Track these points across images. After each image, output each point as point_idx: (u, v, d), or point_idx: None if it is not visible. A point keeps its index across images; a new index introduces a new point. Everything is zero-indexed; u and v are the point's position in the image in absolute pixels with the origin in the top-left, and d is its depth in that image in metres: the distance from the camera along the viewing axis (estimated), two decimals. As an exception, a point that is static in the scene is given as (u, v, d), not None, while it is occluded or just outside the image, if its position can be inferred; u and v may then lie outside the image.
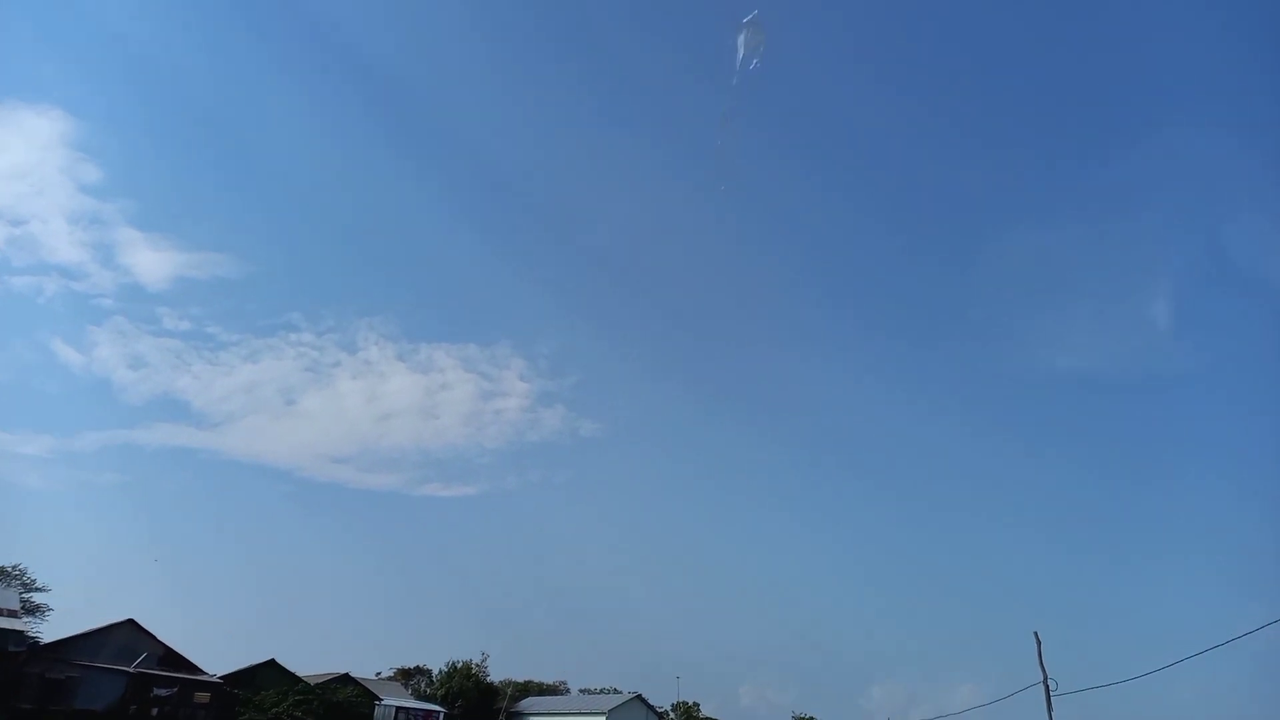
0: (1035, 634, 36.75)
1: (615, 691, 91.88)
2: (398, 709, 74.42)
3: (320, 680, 69.79)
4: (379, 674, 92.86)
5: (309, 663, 74.82)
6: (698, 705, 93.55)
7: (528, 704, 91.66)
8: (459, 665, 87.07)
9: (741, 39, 30.62)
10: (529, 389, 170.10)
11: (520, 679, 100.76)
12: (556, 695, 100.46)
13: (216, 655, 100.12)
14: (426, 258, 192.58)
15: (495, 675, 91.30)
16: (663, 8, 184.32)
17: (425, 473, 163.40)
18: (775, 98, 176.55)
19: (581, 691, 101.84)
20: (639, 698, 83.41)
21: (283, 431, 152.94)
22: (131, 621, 57.27)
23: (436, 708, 78.66)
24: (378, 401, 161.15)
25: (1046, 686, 35.00)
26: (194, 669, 59.83)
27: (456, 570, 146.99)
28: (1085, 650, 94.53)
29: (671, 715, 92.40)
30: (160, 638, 58.40)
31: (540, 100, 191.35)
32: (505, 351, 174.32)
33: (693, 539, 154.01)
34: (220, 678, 61.68)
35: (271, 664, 66.89)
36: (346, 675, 73.99)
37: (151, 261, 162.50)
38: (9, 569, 65.30)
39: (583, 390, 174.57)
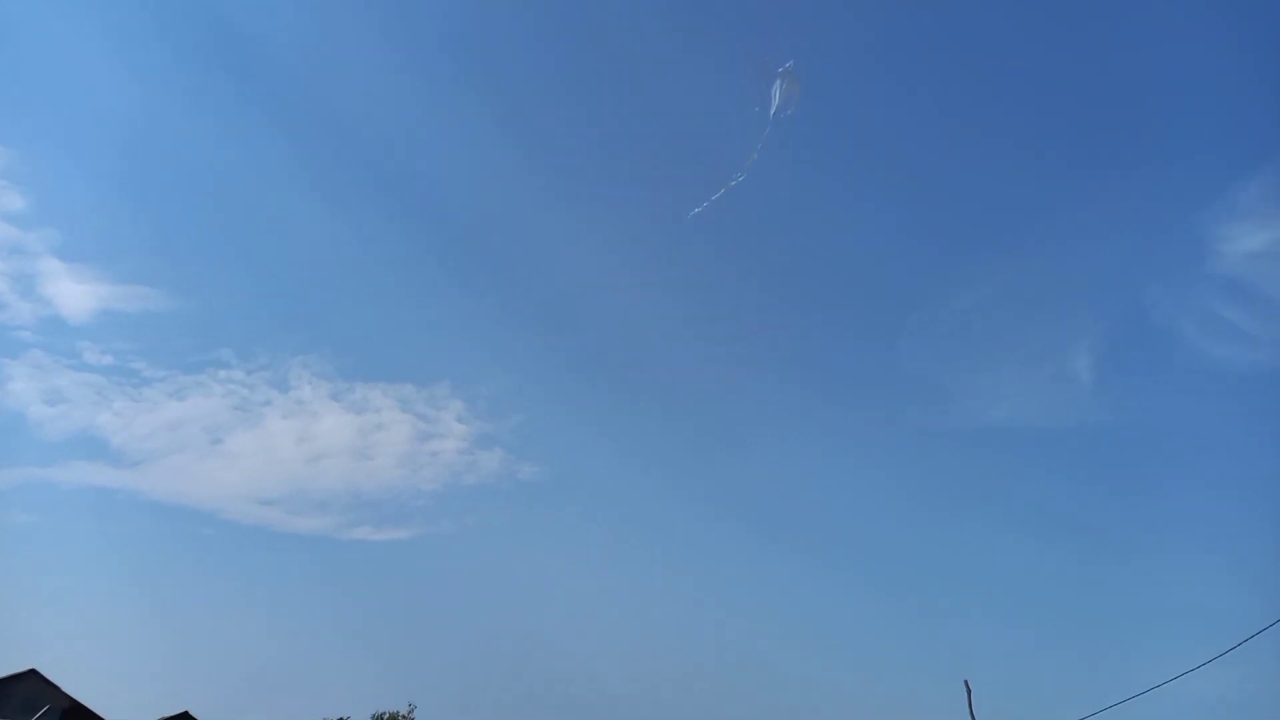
0: (965, 683, 37.44)
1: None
2: (319, 763, 71.25)
3: (237, 733, 66.58)
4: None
5: (227, 714, 71.37)
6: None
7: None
8: (385, 716, 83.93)
9: (777, 87, 30.86)
10: (467, 431, 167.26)
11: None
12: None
13: (128, 708, 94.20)
14: (365, 296, 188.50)
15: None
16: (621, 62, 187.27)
17: (357, 515, 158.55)
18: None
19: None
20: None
21: (207, 471, 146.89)
22: (34, 672, 53.58)
23: (360, 762, 75.48)
24: (309, 442, 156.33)
25: (976, 735, 35.61)
26: (100, 722, 56.48)
27: (387, 616, 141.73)
28: (1016, 701, 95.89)
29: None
30: (65, 689, 54.92)
31: (484, 147, 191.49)
32: (444, 392, 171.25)
33: (634, 585, 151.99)
34: (129, 732, 58.35)
35: (185, 716, 63.47)
36: (265, 728, 70.82)
37: (74, 293, 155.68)
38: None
39: (523, 433, 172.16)
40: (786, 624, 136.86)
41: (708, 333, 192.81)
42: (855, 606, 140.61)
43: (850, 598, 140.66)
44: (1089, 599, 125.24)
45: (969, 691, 37.10)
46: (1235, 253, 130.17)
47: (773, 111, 31.21)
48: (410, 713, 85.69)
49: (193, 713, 64.25)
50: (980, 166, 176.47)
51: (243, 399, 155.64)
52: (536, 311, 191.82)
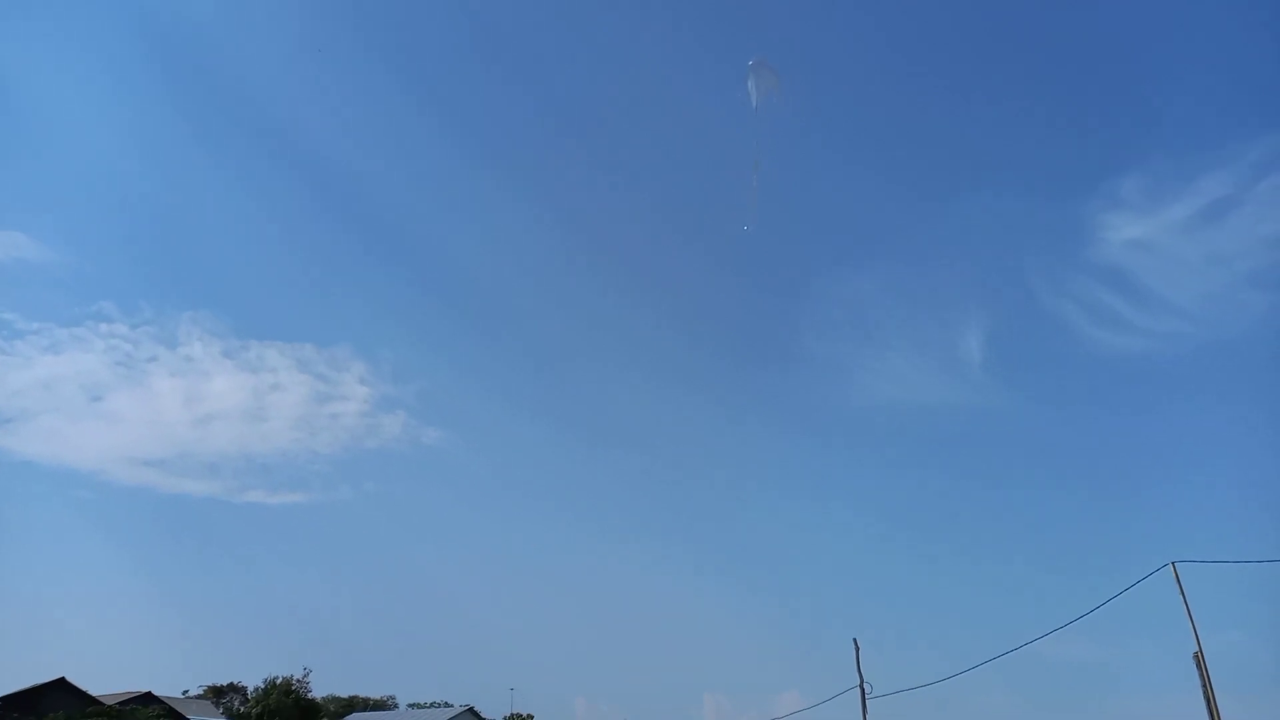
0: (854, 640, 39.30)
1: (446, 705, 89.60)
2: (206, 729, 69.41)
3: (119, 700, 63.97)
4: (186, 692, 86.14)
5: (107, 681, 68.48)
6: (531, 717, 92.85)
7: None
8: (277, 681, 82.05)
9: (752, 82, 31.33)
10: (370, 393, 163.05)
11: (345, 695, 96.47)
12: (384, 710, 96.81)
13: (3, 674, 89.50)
14: (263, 253, 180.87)
15: (318, 692, 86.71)
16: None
17: (249, 479, 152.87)
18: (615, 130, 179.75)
19: (410, 706, 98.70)
20: (471, 710, 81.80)
21: (85, 431, 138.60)
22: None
23: (250, 727, 73.88)
24: (198, 402, 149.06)
25: (862, 690, 37.50)
26: (-35, 690, 53.45)
27: (280, 582, 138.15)
28: (904, 657, 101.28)
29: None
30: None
31: (390, 112, 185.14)
32: (345, 354, 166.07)
33: (530, 553, 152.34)
34: (-3, 699, 55.39)
35: (61, 683, 60.59)
36: (149, 694, 68.19)
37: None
38: None
39: (427, 398, 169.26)
40: (687, 578, 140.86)
41: (611, 298, 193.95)
42: (750, 572, 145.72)
43: (744, 563, 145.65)
44: (966, 566, 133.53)
45: (857, 649, 39.01)
46: (1116, 240, 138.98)
47: (755, 104, 31.92)
48: (305, 677, 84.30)
49: (70, 679, 61.46)
50: (870, 155, 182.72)
51: (126, 355, 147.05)
52: (442, 277, 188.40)
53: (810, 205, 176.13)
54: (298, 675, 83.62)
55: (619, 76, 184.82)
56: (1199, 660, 23.73)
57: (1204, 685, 23.62)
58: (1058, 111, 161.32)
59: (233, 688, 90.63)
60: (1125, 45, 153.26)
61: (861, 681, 37.71)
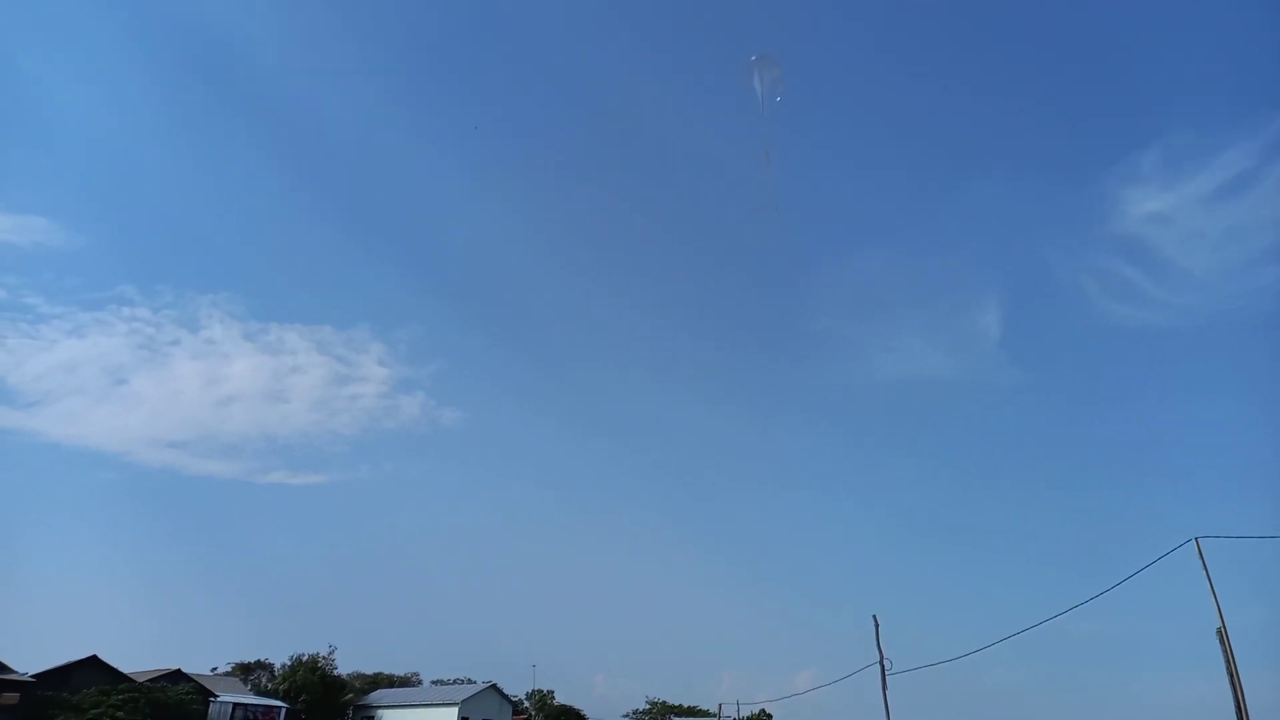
0: (874, 617, 39.36)
1: (469, 682, 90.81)
2: (235, 705, 70.63)
3: (149, 677, 65.25)
4: (215, 669, 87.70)
5: (138, 659, 69.77)
6: (552, 693, 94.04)
7: (377, 696, 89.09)
8: (304, 659, 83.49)
9: (756, 77, 31.37)
10: (388, 375, 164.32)
11: (369, 672, 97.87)
12: (408, 687, 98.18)
13: (31, 652, 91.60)
14: (280, 235, 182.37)
15: (344, 668, 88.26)
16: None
17: (271, 460, 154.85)
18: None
19: (434, 683, 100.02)
20: (493, 687, 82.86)
21: (109, 413, 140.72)
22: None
23: (277, 703, 75.16)
24: (220, 384, 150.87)
25: (882, 666, 37.59)
26: (4, 668, 54.60)
27: (305, 561, 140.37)
28: (921, 634, 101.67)
29: (526, 704, 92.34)
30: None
31: (412, 104, 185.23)
32: (364, 335, 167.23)
33: (550, 532, 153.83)
34: (32, 676, 56.56)
35: (93, 660, 61.89)
36: (178, 671, 69.49)
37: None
38: None
39: (445, 378, 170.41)
40: (707, 570, 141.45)
41: (619, 289, 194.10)
42: (768, 551, 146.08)
43: (762, 544, 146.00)
44: (983, 544, 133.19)
45: (877, 626, 39.07)
46: (1136, 214, 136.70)
47: (761, 98, 31.84)
48: (331, 654, 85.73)
49: (102, 656, 62.71)
50: (885, 129, 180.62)
51: (148, 338, 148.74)
52: (455, 262, 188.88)
53: (820, 193, 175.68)
54: (323, 653, 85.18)
55: (626, 77, 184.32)
56: (1222, 636, 23.53)
57: (1227, 661, 23.43)
58: (1075, 90, 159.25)
59: (260, 665, 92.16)
60: (1144, 22, 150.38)
61: (881, 658, 37.83)
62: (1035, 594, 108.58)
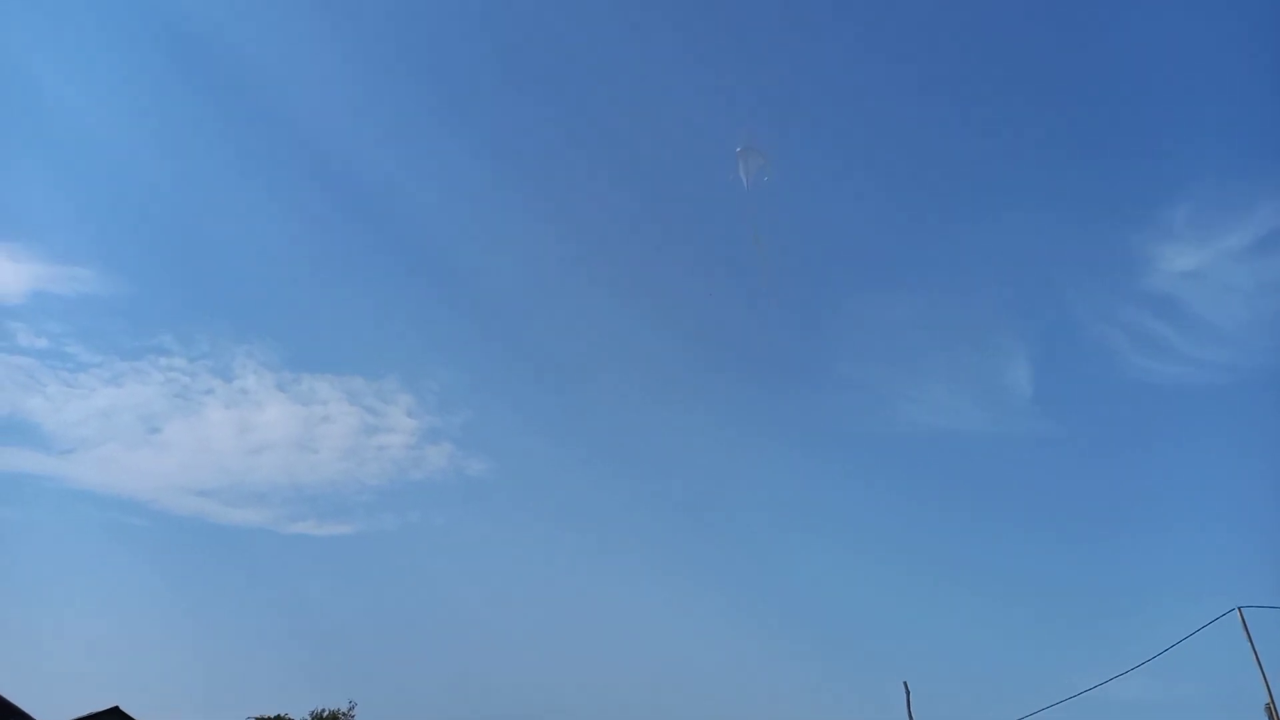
0: (905, 684, 38.27)
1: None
2: (254, 761, 69.76)
3: (169, 730, 64.87)
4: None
5: (158, 710, 69.10)
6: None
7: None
8: (324, 714, 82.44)
9: (743, 165, 32.67)
10: (416, 425, 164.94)
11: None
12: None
13: (54, 703, 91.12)
14: (313, 287, 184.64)
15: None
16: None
17: (298, 509, 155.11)
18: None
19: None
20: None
21: (141, 461, 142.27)
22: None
23: (296, 759, 74.10)
24: (251, 432, 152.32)
25: (913, 735, 36.41)
26: (24, 717, 54.53)
27: (326, 613, 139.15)
28: (954, 701, 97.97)
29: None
30: (-13, 684, 52.96)
31: (436, 147, 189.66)
32: (393, 386, 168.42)
33: (585, 584, 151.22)
34: (54, 727, 56.39)
35: (115, 712, 61.53)
36: (199, 724, 69.13)
37: (7, 273, 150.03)
38: None
39: (472, 429, 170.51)
40: (733, 625, 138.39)
41: (656, 334, 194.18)
42: (804, 604, 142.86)
43: (799, 597, 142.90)
44: (1024, 599, 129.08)
45: (908, 693, 37.96)
46: (1168, 271, 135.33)
47: (747, 184, 32.99)
48: (351, 710, 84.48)
49: (123, 708, 62.51)
50: (910, 180, 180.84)
51: (183, 387, 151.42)
52: (486, 308, 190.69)
53: (836, 228, 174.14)
54: (344, 708, 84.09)
55: (647, 102, 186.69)
56: (1271, 712, 22.64)
57: (1277, 738, 22.48)
58: (1101, 134, 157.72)
59: (280, 718, 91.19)
60: (1170, 68, 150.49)
61: (913, 727, 36.66)
62: (1074, 658, 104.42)
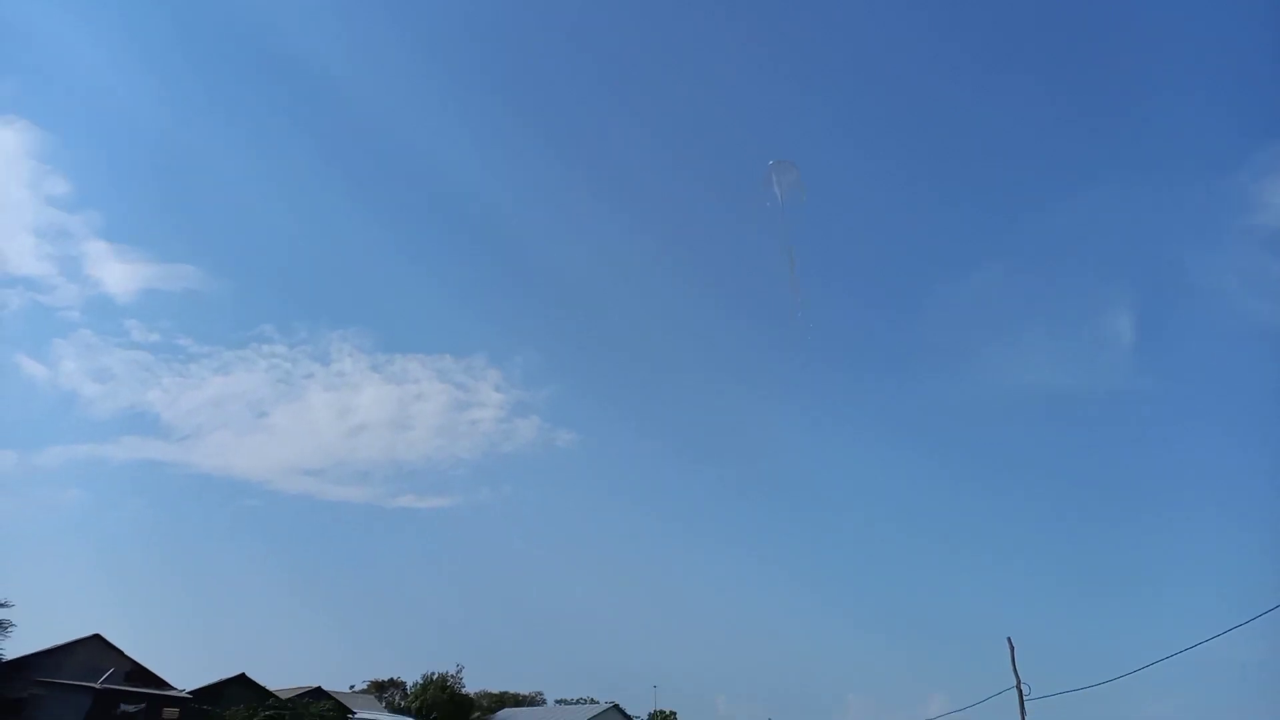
0: (1009, 639, 37.12)
1: (592, 702, 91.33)
2: (371, 722, 73.49)
3: (292, 694, 68.69)
4: (352, 687, 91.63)
5: (280, 676, 73.60)
6: (674, 714, 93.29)
7: (503, 715, 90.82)
8: (434, 677, 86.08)
9: (776, 181, 32.06)
10: (504, 399, 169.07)
11: (496, 690, 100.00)
12: (533, 706, 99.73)
13: (186, 670, 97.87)
14: (401, 272, 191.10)
15: (471, 687, 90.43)
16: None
17: (398, 485, 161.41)
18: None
19: (558, 702, 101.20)
20: (615, 707, 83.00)
21: (252, 444, 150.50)
22: (98, 637, 55.91)
23: (410, 720, 77.80)
24: (350, 413, 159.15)
25: (1020, 691, 35.34)
26: (162, 684, 58.64)
27: (432, 581, 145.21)
28: (1061, 661, 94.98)
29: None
30: (128, 653, 57.15)
31: (510, 136, 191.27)
32: (481, 362, 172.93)
33: (669, 553, 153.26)
34: (189, 693, 60.52)
35: (242, 678, 65.68)
36: (319, 689, 72.86)
37: (120, 273, 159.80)
38: (-30, 584, 63.68)
39: (559, 402, 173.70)
40: (813, 591, 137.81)
41: (733, 310, 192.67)
42: (890, 573, 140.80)
43: (884, 565, 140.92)
44: (1123, 561, 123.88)
45: (1012, 649, 36.82)
46: (1277, 206, 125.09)
47: (781, 200, 32.21)
48: (459, 673, 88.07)
49: (249, 674, 66.53)
50: (1009, 132, 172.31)
51: (285, 373, 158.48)
52: (563, 293, 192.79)
53: (929, 212, 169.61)
54: (452, 671, 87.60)
55: (727, 103, 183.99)
56: None
57: None
58: (1191, 86, 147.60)
59: (393, 683, 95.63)
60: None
61: (1019, 682, 35.59)
62: (1189, 618, 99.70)
